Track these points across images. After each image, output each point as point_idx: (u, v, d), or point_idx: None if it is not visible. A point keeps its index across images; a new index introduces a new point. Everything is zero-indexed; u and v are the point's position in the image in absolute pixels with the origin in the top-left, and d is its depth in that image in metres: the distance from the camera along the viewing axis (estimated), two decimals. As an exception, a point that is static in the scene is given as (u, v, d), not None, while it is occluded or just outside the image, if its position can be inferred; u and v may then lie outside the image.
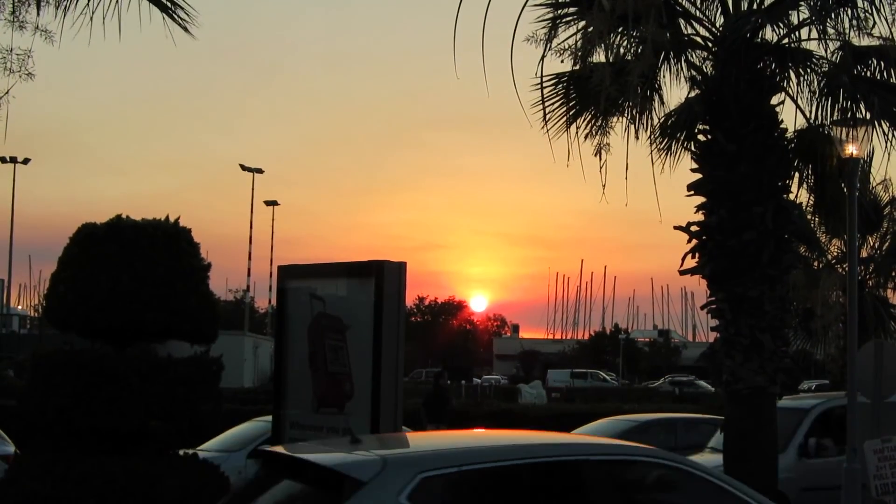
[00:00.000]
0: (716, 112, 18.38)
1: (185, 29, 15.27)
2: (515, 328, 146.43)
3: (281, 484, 7.96)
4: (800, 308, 31.51)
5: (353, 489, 7.12)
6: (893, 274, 33.50)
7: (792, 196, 19.12)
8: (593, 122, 19.00)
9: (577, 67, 18.17)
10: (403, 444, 8.92)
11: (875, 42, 18.01)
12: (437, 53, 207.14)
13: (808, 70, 18.60)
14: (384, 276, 10.98)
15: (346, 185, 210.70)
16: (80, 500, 11.80)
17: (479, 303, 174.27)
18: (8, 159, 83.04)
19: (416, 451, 8.12)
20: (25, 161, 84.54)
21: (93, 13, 14.81)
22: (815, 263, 32.23)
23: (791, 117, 19.12)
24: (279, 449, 8.55)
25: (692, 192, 18.70)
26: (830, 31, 18.00)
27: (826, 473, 20.76)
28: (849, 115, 18.26)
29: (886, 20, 17.76)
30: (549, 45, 18.15)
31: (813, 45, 18.60)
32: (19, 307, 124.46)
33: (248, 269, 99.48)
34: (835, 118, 18.46)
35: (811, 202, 20.28)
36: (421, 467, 7.43)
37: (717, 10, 18.65)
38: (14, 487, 12.03)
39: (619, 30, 17.89)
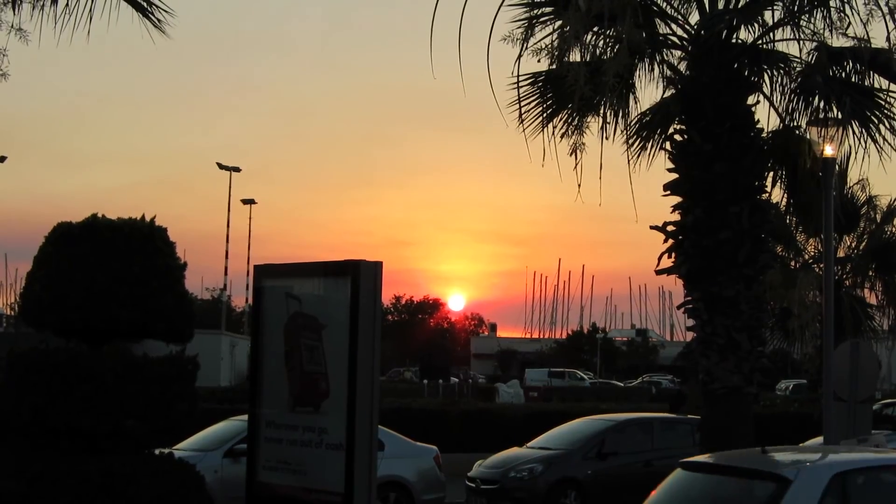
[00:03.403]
0: (692, 111, 18.43)
1: (161, 30, 15.30)
2: (493, 327, 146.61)
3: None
4: (776, 308, 31.63)
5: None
6: (870, 273, 33.68)
7: (768, 196, 19.20)
8: (569, 121, 19.03)
9: (554, 67, 18.22)
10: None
11: (849, 42, 18.09)
12: (405, 51, 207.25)
13: (782, 70, 18.68)
14: (360, 276, 10.98)
15: (310, 183, 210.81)
16: (54, 500, 11.78)
17: (456, 302, 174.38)
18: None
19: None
20: (2, 159, 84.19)
21: (69, 13, 14.81)
22: (792, 263, 32.41)
23: (767, 117, 19.21)
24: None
25: (668, 192, 18.74)
26: (805, 31, 18.08)
27: None
28: (822, 116, 18.35)
29: (861, 19, 17.85)
30: (525, 45, 18.18)
31: (790, 46, 18.71)
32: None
33: (225, 268, 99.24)
34: (809, 118, 18.56)
35: (787, 202, 20.34)
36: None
37: (693, 9, 18.71)
38: (-12, 487, 12.00)
39: (595, 29, 17.94)
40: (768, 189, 19.19)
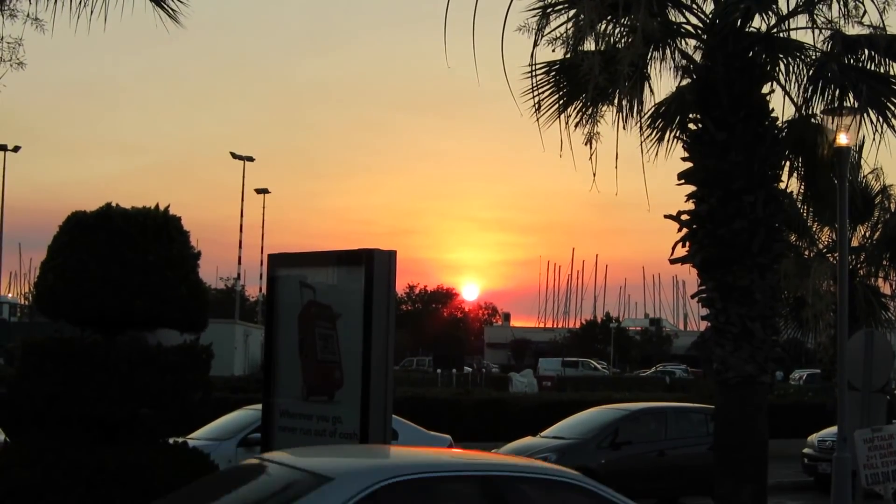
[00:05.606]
0: (706, 101, 18.36)
1: (175, 20, 15.29)
2: (507, 317, 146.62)
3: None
4: (791, 297, 31.58)
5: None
6: (884, 263, 33.62)
7: (783, 185, 19.12)
8: (583, 110, 18.98)
9: (568, 56, 18.18)
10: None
11: (865, 30, 18.02)
12: (406, 39, 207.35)
13: (798, 59, 18.62)
14: (374, 265, 10.99)
15: (309, 171, 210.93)
16: (69, 489, 11.81)
17: (469, 291, 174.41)
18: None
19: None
20: (16, 149, 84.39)
21: (84, 3, 14.82)
22: (806, 252, 32.32)
23: (782, 106, 19.14)
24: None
25: (683, 181, 18.70)
26: (820, 19, 18.01)
27: None
28: (837, 105, 18.28)
29: (876, 6, 17.80)
30: (540, 34, 18.15)
31: (805, 35, 18.65)
32: (9, 295, 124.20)
33: (239, 258, 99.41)
34: (824, 107, 18.48)
35: (802, 191, 20.29)
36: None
37: (708, -3, 18.64)
38: (4, 475, 12.02)
39: (609, 18, 17.89)
40: (783, 178, 19.13)
